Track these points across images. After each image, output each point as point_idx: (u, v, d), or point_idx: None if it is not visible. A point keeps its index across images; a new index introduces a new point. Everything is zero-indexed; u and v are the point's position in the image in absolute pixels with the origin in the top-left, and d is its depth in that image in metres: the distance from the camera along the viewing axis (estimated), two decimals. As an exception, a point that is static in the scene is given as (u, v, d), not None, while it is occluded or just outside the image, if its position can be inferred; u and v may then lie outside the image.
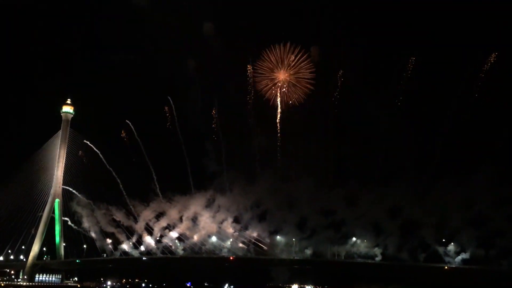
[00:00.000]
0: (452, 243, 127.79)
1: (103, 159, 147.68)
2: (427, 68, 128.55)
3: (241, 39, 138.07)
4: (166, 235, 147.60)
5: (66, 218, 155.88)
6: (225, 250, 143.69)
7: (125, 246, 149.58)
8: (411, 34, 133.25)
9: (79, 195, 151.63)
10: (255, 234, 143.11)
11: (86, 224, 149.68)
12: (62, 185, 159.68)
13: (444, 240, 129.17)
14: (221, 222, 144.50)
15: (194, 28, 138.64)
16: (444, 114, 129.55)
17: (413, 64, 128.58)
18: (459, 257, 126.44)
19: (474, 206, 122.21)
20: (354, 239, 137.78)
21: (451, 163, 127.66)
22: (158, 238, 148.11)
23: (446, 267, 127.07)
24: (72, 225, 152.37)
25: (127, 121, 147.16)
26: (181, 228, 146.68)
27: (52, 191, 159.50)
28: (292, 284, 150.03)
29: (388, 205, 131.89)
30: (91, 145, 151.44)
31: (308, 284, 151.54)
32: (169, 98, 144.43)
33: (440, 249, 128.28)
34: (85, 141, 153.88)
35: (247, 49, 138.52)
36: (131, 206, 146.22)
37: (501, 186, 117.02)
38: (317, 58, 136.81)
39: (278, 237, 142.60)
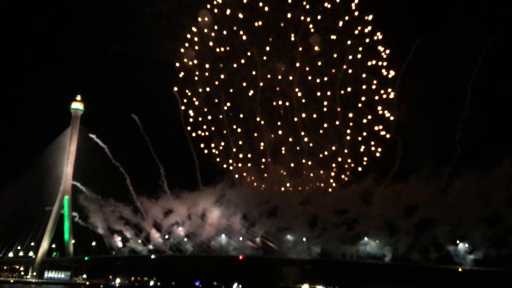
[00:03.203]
0: (461, 243, 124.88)
1: (108, 153, 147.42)
2: (442, 57, 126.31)
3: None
4: (174, 233, 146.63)
5: (74, 213, 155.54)
6: (232, 248, 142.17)
7: (133, 244, 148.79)
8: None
9: (86, 190, 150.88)
10: (264, 232, 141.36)
11: (94, 220, 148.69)
12: (72, 180, 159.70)
13: (458, 242, 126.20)
14: (230, 220, 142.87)
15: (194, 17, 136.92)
16: (463, 107, 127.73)
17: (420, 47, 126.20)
18: (470, 257, 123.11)
19: (490, 204, 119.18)
20: (366, 238, 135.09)
21: (471, 159, 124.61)
22: (166, 236, 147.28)
23: (459, 269, 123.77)
24: (80, 221, 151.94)
25: (133, 115, 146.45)
26: (189, 225, 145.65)
27: (61, 187, 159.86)
28: (303, 284, 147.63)
29: (404, 203, 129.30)
30: (97, 140, 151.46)
31: (318, 284, 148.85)
32: (174, 92, 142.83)
33: (452, 249, 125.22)
34: (90, 135, 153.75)
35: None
36: (138, 203, 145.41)
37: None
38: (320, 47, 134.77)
39: (288, 235, 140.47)
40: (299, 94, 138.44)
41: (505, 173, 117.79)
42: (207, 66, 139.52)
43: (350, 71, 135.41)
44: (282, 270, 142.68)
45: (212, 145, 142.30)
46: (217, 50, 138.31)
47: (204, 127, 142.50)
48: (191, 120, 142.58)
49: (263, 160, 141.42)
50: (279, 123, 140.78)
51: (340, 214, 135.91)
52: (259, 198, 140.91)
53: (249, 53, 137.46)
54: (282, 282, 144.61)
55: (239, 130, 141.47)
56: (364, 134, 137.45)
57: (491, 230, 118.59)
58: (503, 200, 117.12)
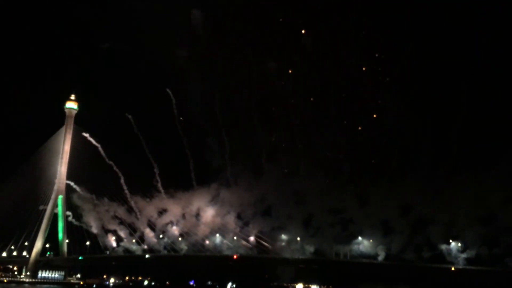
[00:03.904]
0: (454, 242, 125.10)
1: (102, 152, 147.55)
2: (439, 57, 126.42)
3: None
4: (168, 232, 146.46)
5: (68, 213, 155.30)
6: (226, 247, 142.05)
7: (127, 243, 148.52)
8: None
9: (80, 190, 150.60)
10: (258, 231, 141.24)
11: (88, 219, 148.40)
12: (65, 180, 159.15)
13: (450, 241, 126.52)
14: (224, 219, 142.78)
15: (187, 17, 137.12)
16: (459, 108, 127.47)
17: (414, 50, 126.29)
18: (463, 256, 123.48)
19: (484, 203, 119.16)
20: (359, 238, 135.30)
21: (467, 159, 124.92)
22: (161, 236, 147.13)
23: (452, 268, 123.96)
24: (74, 220, 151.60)
25: (127, 114, 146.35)
26: (184, 224, 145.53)
27: (55, 187, 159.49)
28: (297, 283, 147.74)
29: (399, 203, 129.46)
30: (91, 139, 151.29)
31: (313, 284, 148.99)
32: (168, 91, 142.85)
33: (445, 249, 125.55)
34: (83, 134, 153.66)
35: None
36: (132, 202, 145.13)
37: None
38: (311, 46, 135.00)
39: (282, 235, 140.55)
40: (292, 100, 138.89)
41: (498, 174, 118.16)
42: (201, 66, 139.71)
43: (345, 75, 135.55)
44: (276, 270, 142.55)
45: (207, 145, 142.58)
46: (210, 51, 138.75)
47: (199, 126, 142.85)
48: (184, 119, 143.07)
49: (258, 162, 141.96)
50: (274, 125, 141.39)
51: (334, 213, 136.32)
52: (253, 197, 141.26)
53: (240, 56, 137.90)
54: (276, 282, 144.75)
55: (234, 132, 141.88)
56: (359, 139, 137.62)
57: (484, 230, 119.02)
58: (496, 200, 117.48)
